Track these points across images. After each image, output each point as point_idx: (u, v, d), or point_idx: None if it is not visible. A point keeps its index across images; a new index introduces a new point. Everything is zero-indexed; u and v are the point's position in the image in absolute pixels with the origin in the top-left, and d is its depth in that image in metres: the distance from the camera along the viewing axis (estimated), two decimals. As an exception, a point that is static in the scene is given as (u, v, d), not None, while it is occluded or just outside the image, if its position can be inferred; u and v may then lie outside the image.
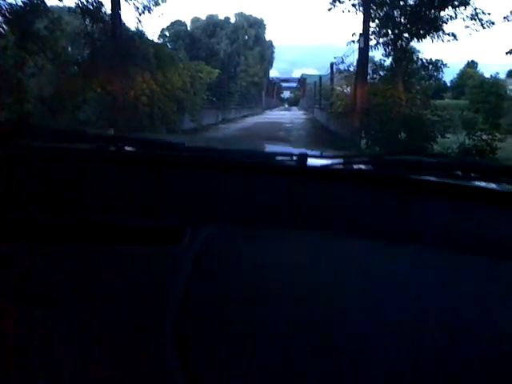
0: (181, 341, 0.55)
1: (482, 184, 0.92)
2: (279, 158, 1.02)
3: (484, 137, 10.16)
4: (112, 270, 0.67)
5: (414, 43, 13.31)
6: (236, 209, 0.84)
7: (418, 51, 15.36)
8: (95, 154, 1.00)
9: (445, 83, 46.63)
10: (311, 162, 0.96)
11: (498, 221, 0.84)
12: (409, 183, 0.90)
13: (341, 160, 1.10)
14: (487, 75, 29.91)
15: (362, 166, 1.01)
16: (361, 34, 12.27)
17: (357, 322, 0.57)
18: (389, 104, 11.51)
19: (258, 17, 45.18)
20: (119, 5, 12.20)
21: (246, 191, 0.91)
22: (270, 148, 1.77)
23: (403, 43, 12.81)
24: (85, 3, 12.14)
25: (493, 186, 0.92)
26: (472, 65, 41.80)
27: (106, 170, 0.94)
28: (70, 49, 13.00)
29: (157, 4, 15.07)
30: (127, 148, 1.05)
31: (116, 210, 0.83)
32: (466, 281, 0.66)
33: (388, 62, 13.31)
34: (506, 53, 9.83)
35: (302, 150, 1.05)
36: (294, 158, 0.96)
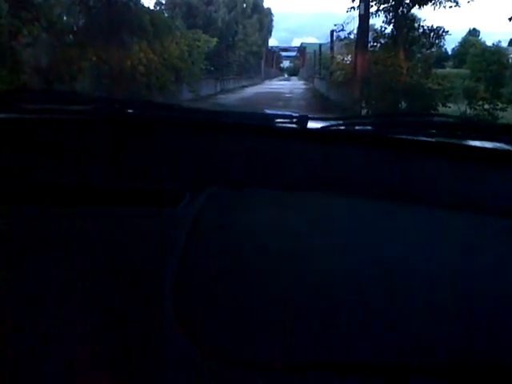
0: (180, 304, 0.55)
1: (484, 143, 0.92)
2: (279, 120, 1.02)
3: (486, 106, 10.15)
4: (108, 232, 0.66)
5: (416, 10, 13.08)
6: (235, 172, 0.84)
7: (420, 19, 15.12)
8: (92, 115, 0.99)
9: (446, 51, 46.20)
10: (311, 124, 0.96)
11: (499, 178, 0.85)
12: (410, 143, 0.90)
13: (341, 121, 1.10)
14: (489, 43, 29.52)
15: (363, 127, 1.01)
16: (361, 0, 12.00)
17: (357, 282, 0.57)
18: (389, 73, 11.36)
19: None
20: (114, -29, 11.93)
21: (245, 154, 0.90)
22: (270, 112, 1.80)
23: (404, 10, 12.55)
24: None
25: (495, 144, 0.91)
26: (474, 33, 41.34)
27: (103, 131, 0.93)
28: (64, 17, 12.75)
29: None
30: (125, 110, 1.03)
31: (114, 173, 0.83)
32: (465, 239, 0.66)
33: (389, 29, 13.08)
34: (509, 18, 9.64)
35: (303, 114, 1.04)
36: (294, 120, 0.96)
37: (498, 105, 10.21)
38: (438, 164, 0.87)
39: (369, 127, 0.98)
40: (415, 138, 0.92)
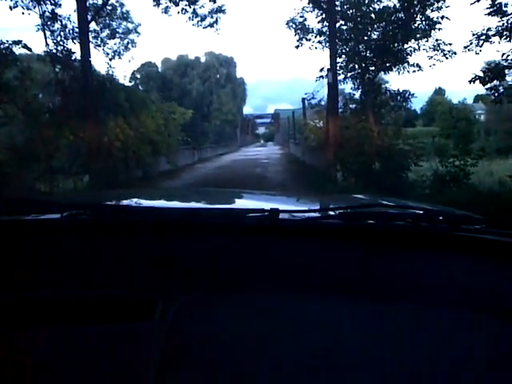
0: None
1: (449, 232, 0.94)
2: (250, 214, 1.00)
3: (456, 163, 10.37)
4: (78, 354, 0.63)
5: (385, 75, 13.74)
6: (209, 275, 0.82)
7: (387, 82, 15.78)
8: (64, 224, 0.98)
9: (415, 111, 47.92)
10: (284, 216, 0.98)
11: (467, 269, 0.86)
12: (376, 236, 0.92)
13: (312, 214, 1.11)
14: (455, 101, 30.88)
15: (333, 221, 1.02)
16: (328, 69, 12.53)
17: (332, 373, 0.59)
18: (361, 136, 11.71)
19: (228, 55, 46.17)
20: (89, 52, 12.30)
21: (218, 254, 0.89)
22: (241, 198, 1.80)
23: (370, 76, 13.14)
24: (53, 51, 12.25)
25: (460, 233, 0.93)
26: (440, 91, 43.10)
27: (75, 240, 0.92)
28: (41, 96, 12.98)
29: (127, 49, 15.35)
30: (96, 216, 1.02)
31: (84, 282, 0.80)
32: (437, 336, 0.67)
33: (358, 94, 13.63)
34: (469, 81, 10.10)
35: (274, 200, 1.10)
36: (266, 213, 0.96)
37: (468, 161, 10.48)
38: (406, 254, 0.89)
39: (338, 220, 0.98)
40: (381, 230, 0.94)
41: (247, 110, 56.46)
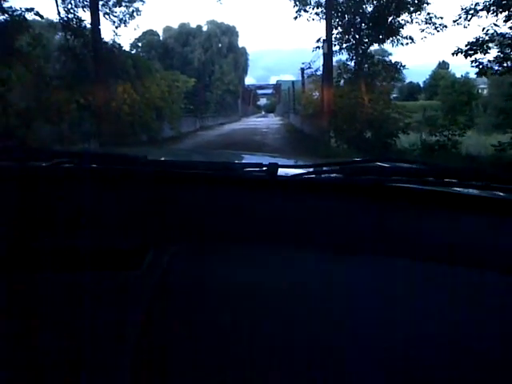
0: (140, 376, 0.55)
1: (455, 189, 0.89)
2: (248, 169, 0.97)
3: (445, 132, 10.95)
4: (64, 301, 0.64)
5: (391, 48, 14.22)
6: (202, 225, 0.81)
7: (390, 54, 16.25)
8: (51, 171, 0.95)
9: (418, 85, 47.29)
10: (282, 171, 0.93)
11: (472, 227, 0.82)
12: (380, 190, 0.87)
13: (312, 169, 1.10)
14: (458, 75, 30.54)
15: (334, 175, 0.98)
16: (324, 40, 13.15)
17: (330, 339, 0.57)
18: (353, 105, 12.38)
19: (231, 24, 45.62)
20: (98, 19, 12.90)
21: (213, 206, 0.86)
22: (241, 159, 1.75)
23: (364, 47, 13.80)
24: (65, 19, 12.81)
25: (466, 190, 0.89)
26: (443, 65, 42.12)
27: (61, 188, 0.88)
28: (52, 62, 13.50)
29: (132, 17, 15.79)
30: (84, 164, 0.99)
31: (72, 231, 0.78)
32: (439, 292, 0.65)
33: (351, 65, 14.26)
34: (452, 54, 10.65)
35: (273, 160, 1.04)
36: (264, 168, 0.93)
37: (456, 131, 11.04)
38: (410, 211, 0.85)
39: (338, 175, 0.94)
40: (386, 185, 0.89)
41: (249, 80, 55.79)
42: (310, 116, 16.58)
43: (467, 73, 25.55)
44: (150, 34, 40.12)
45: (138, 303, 0.62)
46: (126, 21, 15.48)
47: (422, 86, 47.11)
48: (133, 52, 20.47)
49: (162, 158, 1.41)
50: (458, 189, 0.89)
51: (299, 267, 0.70)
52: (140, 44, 37.69)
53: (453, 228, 0.80)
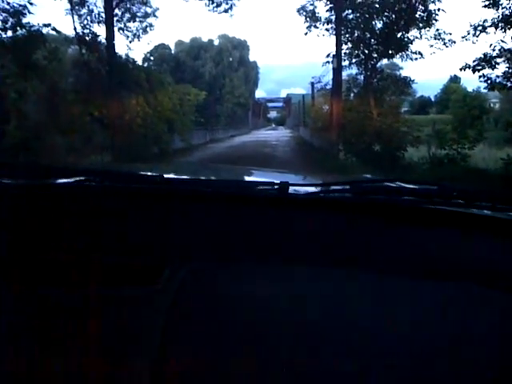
0: None
1: (462, 209, 0.90)
2: (260, 187, 0.99)
3: (454, 146, 10.95)
4: (84, 315, 0.65)
5: (400, 62, 14.39)
6: (216, 244, 0.82)
7: (401, 68, 16.36)
8: (71, 190, 0.97)
9: (429, 99, 47.13)
10: (292, 189, 0.95)
11: (478, 246, 0.83)
12: (388, 210, 0.89)
13: (322, 187, 1.13)
14: (470, 89, 30.37)
15: (342, 194, 0.99)
16: (333, 55, 13.35)
17: (337, 358, 0.58)
18: (362, 118, 12.50)
19: (242, 38, 45.29)
20: (113, 35, 13.20)
21: (226, 224, 0.88)
22: (251, 174, 1.77)
23: (373, 62, 13.97)
24: (81, 34, 13.11)
25: (473, 211, 0.90)
26: (455, 79, 41.81)
27: (82, 206, 0.91)
28: (67, 76, 13.77)
29: (145, 31, 16.10)
30: (105, 183, 1.01)
31: (91, 248, 0.80)
32: (443, 308, 0.67)
33: (361, 79, 14.43)
34: (460, 69, 10.79)
35: (283, 177, 1.04)
36: (276, 186, 0.94)
37: (465, 144, 11.05)
38: (418, 231, 0.86)
39: (348, 194, 0.95)
40: (395, 204, 0.91)
41: (260, 93, 55.53)
42: (320, 129, 16.73)
43: (479, 87, 25.38)
44: (162, 48, 40.26)
45: (156, 316, 0.64)
46: (139, 35, 15.85)
47: (433, 100, 46.99)
48: (145, 65, 20.72)
49: (177, 175, 1.44)
50: (465, 209, 0.90)
51: (311, 283, 0.72)
52: (152, 57, 37.88)
53: (459, 246, 0.82)
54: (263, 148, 20.02)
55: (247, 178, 1.62)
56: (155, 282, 0.71)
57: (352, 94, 14.76)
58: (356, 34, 13.85)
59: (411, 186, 1.09)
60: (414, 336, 0.62)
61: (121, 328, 0.64)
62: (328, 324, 0.64)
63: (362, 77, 14.41)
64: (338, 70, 13.16)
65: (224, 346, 0.60)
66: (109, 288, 0.72)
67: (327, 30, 14.67)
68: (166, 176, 1.03)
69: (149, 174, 1.17)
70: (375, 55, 13.79)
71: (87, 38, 13.14)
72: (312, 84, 19.77)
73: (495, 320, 0.66)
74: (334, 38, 13.77)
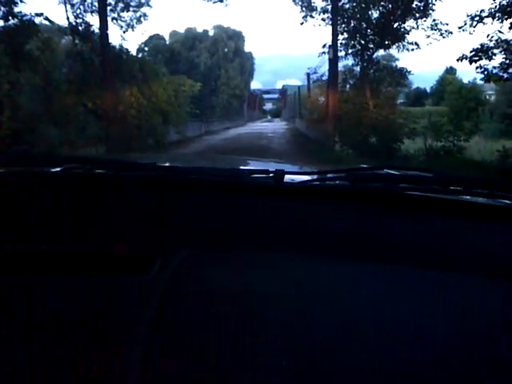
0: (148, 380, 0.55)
1: (460, 197, 0.90)
2: (255, 175, 0.98)
3: (450, 138, 10.97)
4: (72, 304, 0.64)
5: (397, 53, 14.33)
6: (210, 232, 0.81)
7: (397, 59, 16.33)
8: (60, 177, 0.95)
9: (425, 90, 47.20)
10: (288, 178, 0.94)
11: (477, 234, 0.82)
12: (386, 197, 0.88)
13: (318, 176, 1.11)
14: (465, 81, 30.34)
15: (339, 182, 0.98)
16: (330, 46, 13.30)
17: (337, 349, 0.57)
18: (358, 110, 12.48)
19: (237, 29, 45.37)
20: (107, 25, 13.04)
21: (220, 212, 0.87)
22: (247, 164, 1.76)
23: (369, 53, 13.87)
24: (74, 24, 12.98)
25: (471, 198, 0.90)
26: (451, 71, 41.85)
27: (72, 193, 0.89)
28: (60, 66, 13.66)
29: (139, 21, 15.96)
30: (95, 170, 1.00)
31: (81, 236, 0.79)
32: (443, 298, 0.65)
33: (357, 70, 14.36)
34: (457, 59, 10.72)
35: (279, 166, 1.05)
36: (271, 174, 0.94)
37: (461, 136, 11.11)
38: (416, 218, 0.85)
39: (344, 182, 0.94)
40: (391, 192, 0.90)
41: (256, 85, 55.79)
42: (316, 121, 16.68)
43: (474, 79, 25.38)
44: (156, 39, 40.19)
45: (148, 306, 0.63)
46: (133, 25, 15.68)
47: (429, 91, 47.04)
48: (139, 56, 20.58)
49: (169, 164, 1.43)
50: (463, 196, 0.90)
51: (306, 272, 0.71)
52: (146, 48, 37.73)
53: (458, 235, 0.81)
54: (259, 140, 19.99)
55: (243, 167, 1.60)
56: (147, 271, 0.69)
57: (348, 85, 14.67)
58: (352, 24, 13.77)
59: (408, 173, 1.10)
60: (415, 329, 0.60)
61: (110, 318, 0.63)
62: (327, 318, 0.62)
63: (358, 68, 14.34)
64: (334, 61, 13.09)
65: (217, 338, 0.59)
66: (99, 277, 0.70)
67: (323, 19, 14.63)
68: (158, 164, 1.01)
69: (142, 162, 1.14)
70: (371, 46, 13.69)
71: (80, 28, 13.02)
72: (308, 75, 19.76)
73: (497, 311, 0.64)
74: (330, 28, 13.69)
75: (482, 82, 12.29)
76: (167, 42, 42.23)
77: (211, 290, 0.67)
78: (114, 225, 0.83)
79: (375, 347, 0.57)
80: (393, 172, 1.11)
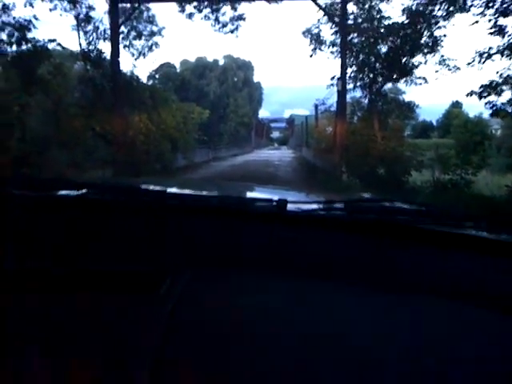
0: None
1: (453, 230, 0.93)
2: (259, 203, 1.03)
3: (458, 171, 10.89)
4: (84, 321, 0.65)
5: (404, 86, 14.46)
6: (215, 256, 0.84)
7: (403, 92, 16.42)
8: (75, 203, 0.99)
9: (431, 123, 47.48)
10: (291, 206, 0.98)
11: (467, 265, 0.85)
12: (383, 229, 0.91)
13: (319, 205, 1.17)
14: (472, 115, 30.47)
15: (339, 212, 1.03)
16: (338, 78, 13.35)
17: (333, 373, 0.57)
18: (365, 141, 12.46)
19: (247, 59, 45.97)
20: (118, 52, 13.32)
21: (225, 236, 0.91)
22: (252, 190, 1.82)
23: (378, 86, 13.98)
24: (87, 50, 13.20)
25: (463, 231, 0.93)
26: (457, 105, 42.20)
27: (86, 218, 0.94)
28: (72, 92, 13.83)
29: (150, 50, 16.21)
30: (107, 195, 1.05)
31: (94, 258, 0.82)
32: (438, 325, 0.66)
33: (365, 102, 14.44)
34: (466, 95, 10.78)
35: (283, 194, 1.09)
36: (274, 203, 0.97)
37: (469, 170, 11.03)
38: (412, 249, 0.88)
39: (343, 212, 0.99)
40: (388, 223, 0.94)
41: (263, 113, 56.30)
42: (323, 150, 16.69)
43: (481, 113, 25.47)
44: (167, 67, 40.75)
45: (157, 323, 0.64)
46: (144, 53, 15.91)
47: (434, 124, 47.23)
48: (150, 83, 20.86)
49: (177, 189, 1.49)
50: (453, 230, 0.94)
51: (307, 295, 0.73)
52: (157, 75, 38.24)
53: (447, 265, 0.85)
54: (266, 167, 20.03)
55: (248, 194, 1.65)
56: (157, 289, 0.71)
57: (356, 117, 14.75)
58: (361, 58, 13.90)
59: (404, 206, 1.15)
60: (407, 355, 0.61)
61: (120, 336, 0.63)
62: (325, 338, 0.63)
63: (366, 100, 14.44)
64: (342, 93, 13.16)
65: (224, 355, 0.60)
66: (110, 296, 0.71)
67: (332, 52, 14.79)
68: (168, 191, 1.07)
69: (151, 187, 1.20)
70: (380, 79, 13.81)
71: (92, 55, 13.20)
72: (316, 106, 19.87)
73: (486, 341, 0.65)
74: (338, 60, 13.77)
75: (487, 117, 12.30)
76: (178, 70, 42.86)
77: (217, 308, 0.68)
78: (126, 247, 0.87)
79: (376, 376, 0.58)
80: (387, 204, 1.16)
